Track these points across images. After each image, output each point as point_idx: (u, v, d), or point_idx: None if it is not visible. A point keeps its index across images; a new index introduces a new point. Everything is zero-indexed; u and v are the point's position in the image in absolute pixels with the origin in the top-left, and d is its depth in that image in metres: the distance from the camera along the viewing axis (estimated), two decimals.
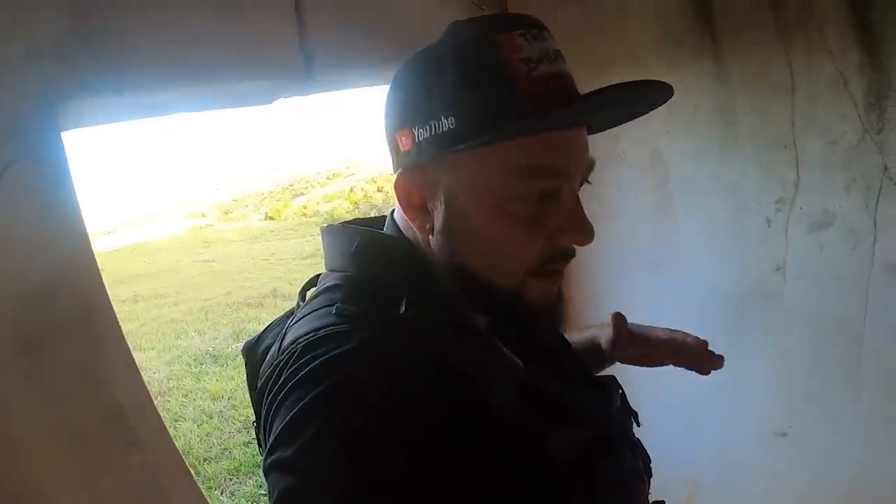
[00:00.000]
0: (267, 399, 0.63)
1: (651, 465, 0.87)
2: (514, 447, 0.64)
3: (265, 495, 4.13)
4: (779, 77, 1.56)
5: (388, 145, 0.75)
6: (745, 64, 1.61)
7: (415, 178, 0.71)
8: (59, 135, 1.11)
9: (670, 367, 1.88)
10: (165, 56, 1.22)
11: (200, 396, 5.89)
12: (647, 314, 1.99)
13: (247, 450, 4.79)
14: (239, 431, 5.13)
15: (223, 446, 4.90)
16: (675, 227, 1.89)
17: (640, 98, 0.71)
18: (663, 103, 0.71)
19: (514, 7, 1.91)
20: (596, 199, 1.95)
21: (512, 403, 0.67)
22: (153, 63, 1.20)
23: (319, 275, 0.83)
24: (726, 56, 1.64)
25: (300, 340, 0.64)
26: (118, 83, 1.17)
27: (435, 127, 0.66)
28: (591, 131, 0.74)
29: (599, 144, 1.90)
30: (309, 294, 0.80)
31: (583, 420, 0.73)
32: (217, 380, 6.26)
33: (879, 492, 1.56)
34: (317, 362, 0.60)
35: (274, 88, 1.43)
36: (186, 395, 5.96)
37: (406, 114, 0.70)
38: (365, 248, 0.76)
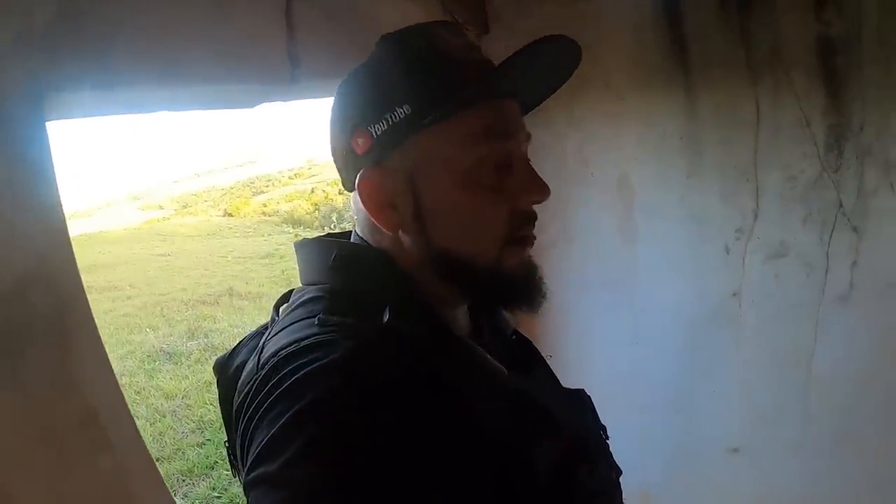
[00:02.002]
0: (246, 414, 0.60)
1: (634, 472, 0.88)
2: (501, 456, 0.63)
3: (219, 497, 4.06)
4: (745, 113, 1.61)
5: (341, 156, 0.76)
6: (715, 98, 1.66)
7: (377, 176, 0.72)
8: (44, 126, 1.06)
9: (623, 381, 1.93)
10: (154, 53, 1.18)
11: (153, 394, 5.74)
12: (606, 332, 2.05)
13: (200, 451, 4.68)
14: (192, 432, 5.01)
15: (176, 446, 4.78)
16: (637, 250, 1.93)
17: (555, 57, 0.74)
18: (575, 67, 0.76)
19: (496, 26, 1.93)
20: (560, 218, 1.99)
21: (499, 411, 0.67)
22: (141, 60, 1.16)
23: (292, 290, 0.80)
24: (697, 90, 1.69)
25: (281, 352, 0.62)
26: (106, 78, 1.13)
27: (391, 118, 0.69)
28: (525, 111, 0.78)
29: (569, 167, 1.96)
30: (282, 309, 0.77)
31: (564, 429, 0.72)
32: (171, 378, 6.11)
33: None
34: (302, 373, 0.57)
35: (259, 92, 1.40)
36: (139, 393, 5.80)
37: (359, 116, 0.72)
38: (344, 259, 0.75)
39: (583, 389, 0.86)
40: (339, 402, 0.55)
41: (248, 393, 0.62)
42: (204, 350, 6.78)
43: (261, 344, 0.70)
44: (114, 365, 1.18)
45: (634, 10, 1.72)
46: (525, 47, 0.66)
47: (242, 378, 0.68)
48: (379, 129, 0.70)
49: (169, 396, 5.70)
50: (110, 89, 1.14)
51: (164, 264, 12.67)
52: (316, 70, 1.41)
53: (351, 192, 0.77)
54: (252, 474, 0.54)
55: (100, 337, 1.14)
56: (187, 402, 5.54)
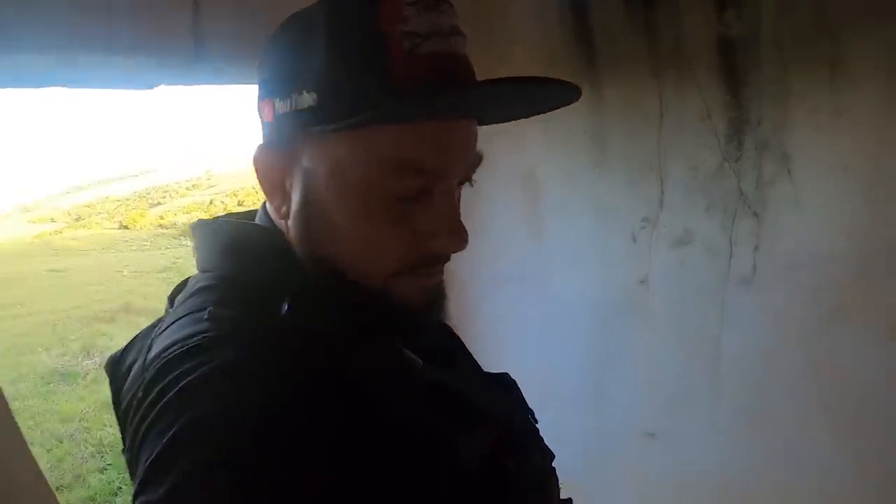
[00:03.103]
0: (132, 424, 0.49)
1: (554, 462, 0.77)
2: (423, 456, 0.54)
3: None
4: (649, 106, 1.59)
5: (256, 109, 0.62)
6: (620, 92, 1.63)
7: (274, 155, 0.59)
8: None
9: (537, 373, 1.88)
10: (46, 18, 0.99)
11: (50, 419, 5.25)
12: (517, 326, 1.98)
13: (102, 476, 4.30)
14: (93, 456, 4.59)
15: (76, 473, 4.36)
16: (545, 242, 1.88)
17: (544, 97, 0.60)
18: (568, 104, 0.60)
19: None
20: (467, 212, 1.88)
21: (415, 405, 0.58)
22: (33, 24, 0.97)
23: (188, 279, 0.67)
24: (603, 83, 1.65)
25: (165, 353, 0.51)
26: None
27: (295, 101, 0.55)
28: (482, 123, 0.61)
29: None
30: (177, 300, 0.64)
31: (489, 418, 0.63)
32: (67, 400, 5.63)
33: (742, 484, 1.63)
34: (185, 382, 0.47)
35: (158, 69, 1.22)
36: (34, 418, 5.30)
37: (270, 82, 0.58)
38: (240, 243, 0.63)
39: (506, 374, 0.77)
40: (226, 417, 0.45)
41: (132, 399, 0.51)
42: (101, 369, 6.21)
43: (150, 341, 0.57)
44: (5, 389, 1.00)
45: (542, 6, 1.66)
46: (501, 80, 0.50)
47: (129, 380, 0.56)
48: (282, 107, 0.56)
49: (66, 420, 5.21)
50: None
51: (57, 280, 11.76)
52: (220, 52, 1.24)
53: None
54: (137, 501, 0.43)
55: None
56: (85, 425, 5.08)
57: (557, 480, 0.72)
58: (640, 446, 1.79)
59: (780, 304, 1.52)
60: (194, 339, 0.51)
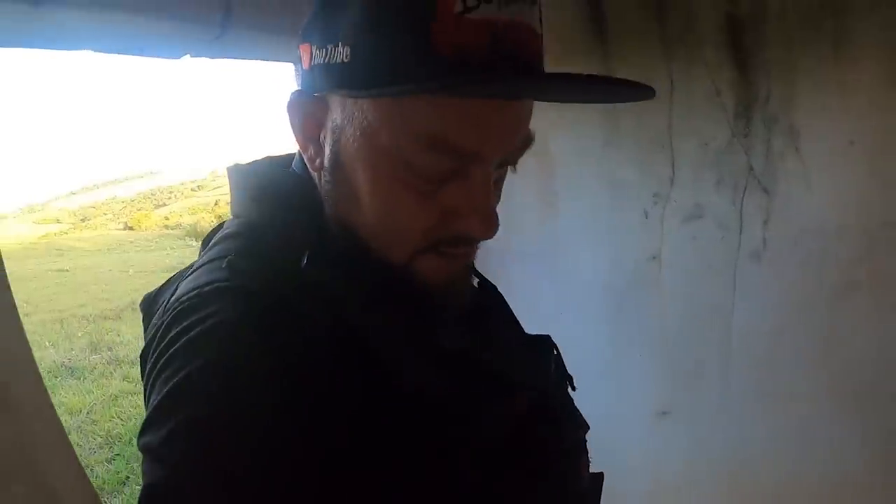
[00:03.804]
0: (149, 363, 0.51)
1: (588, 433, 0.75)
2: (439, 428, 0.53)
3: None
4: (659, 84, 1.63)
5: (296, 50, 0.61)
6: (630, 69, 1.67)
7: (309, 103, 0.56)
8: None
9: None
10: None
11: (56, 411, 5.23)
12: (530, 302, 1.99)
13: (110, 467, 4.31)
14: (100, 447, 4.61)
15: (84, 463, 4.35)
16: (557, 219, 1.92)
17: (611, 93, 0.57)
18: (641, 99, 0.55)
19: None
20: None
21: (432, 376, 0.56)
22: None
23: (225, 221, 0.67)
24: (613, 60, 1.69)
25: (184, 298, 0.52)
26: None
27: (329, 53, 0.51)
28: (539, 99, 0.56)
29: None
30: (211, 244, 0.64)
31: (517, 387, 0.60)
32: (74, 393, 5.63)
33: (753, 459, 1.66)
34: (193, 333, 0.48)
35: (183, 36, 1.22)
36: None
37: (311, 26, 0.54)
38: (270, 191, 0.62)
39: (547, 336, 0.73)
40: (224, 373, 0.46)
41: (151, 339, 0.53)
42: (108, 363, 6.30)
43: (177, 285, 0.59)
44: None
45: None
46: (561, 76, 0.47)
47: (153, 319, 0.58)
48: (318, 56, 0.53)
49: (73, 412, 5.22)
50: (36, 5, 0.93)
51: (63, 280, 11.80)
52: (248, 24, 1.25)
53: None
54: (142, 439, 0.46)
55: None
56: (93, 417, 5.09)
57: (587, 454, 0.70)
58: (654, 425, 1.82)
59: (790, 276, 1.56)
60: (208, 286, 0.52)
